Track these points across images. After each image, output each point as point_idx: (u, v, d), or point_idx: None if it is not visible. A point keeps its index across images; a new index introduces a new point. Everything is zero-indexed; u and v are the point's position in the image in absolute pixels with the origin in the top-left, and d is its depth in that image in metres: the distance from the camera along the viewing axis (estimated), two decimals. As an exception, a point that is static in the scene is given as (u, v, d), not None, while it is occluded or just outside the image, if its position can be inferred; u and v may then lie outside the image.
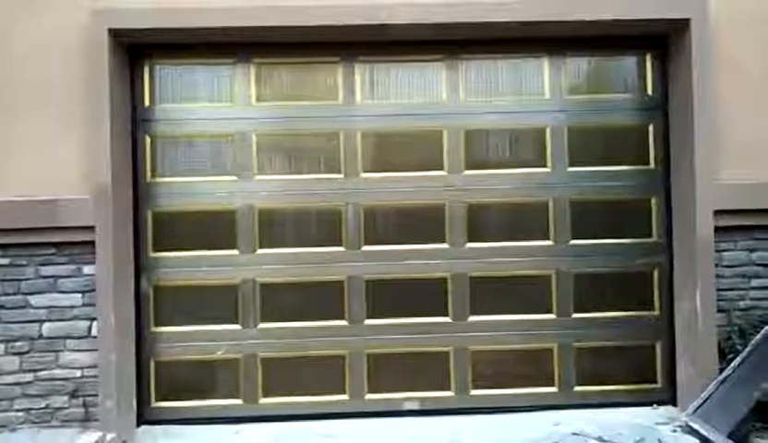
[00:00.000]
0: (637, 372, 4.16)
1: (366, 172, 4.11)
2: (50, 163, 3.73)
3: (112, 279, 3.69)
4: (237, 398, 4.07)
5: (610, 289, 4.16)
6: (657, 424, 3.87)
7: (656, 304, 4.16)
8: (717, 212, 3.83)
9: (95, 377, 3.72)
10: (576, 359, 4.14)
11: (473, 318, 4.12)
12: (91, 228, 3.69)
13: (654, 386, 4.16)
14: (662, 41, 4.10)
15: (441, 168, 4.12)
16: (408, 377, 4.11)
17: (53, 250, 3.75)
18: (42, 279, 3.75)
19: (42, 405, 3.75)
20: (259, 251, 4.07)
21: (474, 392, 4.12)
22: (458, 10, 3.78)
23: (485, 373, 4.13)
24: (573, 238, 4.14)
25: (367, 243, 4.10)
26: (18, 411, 3.74)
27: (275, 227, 4.09)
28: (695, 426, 3.61)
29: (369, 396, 4.10)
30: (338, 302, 4.10)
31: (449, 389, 4.12)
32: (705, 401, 3.68)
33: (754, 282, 3.97)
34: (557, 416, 3.99)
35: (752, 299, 3.96)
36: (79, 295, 3.76)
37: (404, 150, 4.14)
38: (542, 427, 3.87)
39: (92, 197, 3.70)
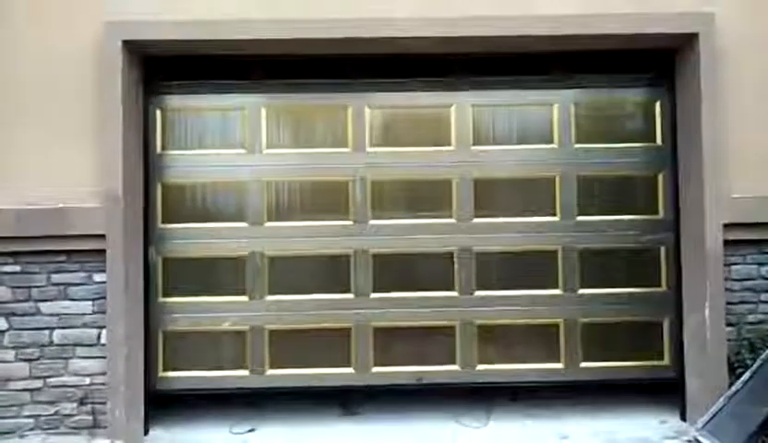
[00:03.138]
0: (644, 348, 4.15)
1: (373, 146, 4.15)
2: (63, 172, 3.77)
3: (122, 287, 3.73)
4: (244, 369, 4.10)
5: (617, 265, 4.16)
6: (665, 438, 3.85)
7: (663, 280, 4.15)
8: (727, 226, 3.82)
9: (104, 384, 3.74)
10: (582, 335, 4.14)
11: (479, 293, 4.14)
12: (102, 236, 3.73)
13: (660, 362, 4.15)
14: (669, 57, 4.11)
15: (449, 143, 4.15)
16: (414, 350, 4.13)
17: (64, 258, 3.79)
18: (53, 286, 3.79)
19: (51, 412, 3.78)
20: (267, 224, 4.11)
21: (479, 367, 4.13)
22: (454, 25, 3.80)
23: (491, 348, 4.14)
24: (580, 214, 4.15)
25: (375, 217, 4.14)
26: (27, 417, 3.77)
27: (283, 200, 4.14)
28: (704, 441, 3.58)
29: (375, 369, 4.12)
30: (345, 275, 4.13)
31: (455, 363, 4.13)
32: (714, 415, 3.66)
33: (764, 297, 3.95)
34: (563, 429, 3.98)
35: (762, 313, 3.94)
36: (90, 303, 3.79)
37: (412, 126, 4.18)
38: (547, 439, 3.86)
39: (103, 206, 3.73)
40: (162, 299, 4.09)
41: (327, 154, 4.15)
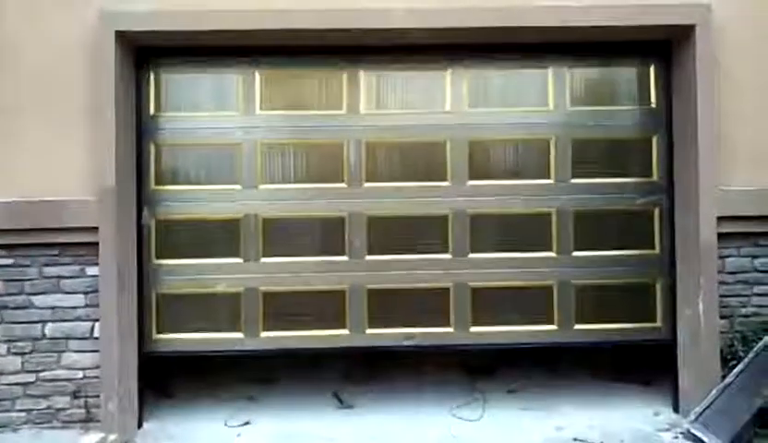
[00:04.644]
0: (637, 311, 4.17)
1: (368, 109, 4.14)
2: (55, 164, 3.74)
3: (115, 280, 3.70)
4: (238, 332, 4.09)
5: (610, 227, 4.17)
6: (659, 430, 3.87)
7: (657, 242, 4.17)
8: (720, 219, 3.84)
9: (97, 378, 3.73)
10: (576, 297, 4.15)
11: (473, 255, 4.14)
12: (95, 229, 3.70)
13: (653, 325, 4.16)
14: (665, 49, 4.11)
15: (444, 106, 4.15)
16: (408, 312, 4.13)
17: (56, 251, 3.76)
18: (46, 279, 3.76)
19: (44, 406, 3.75)
20: (261, 186, 4.10)
21: (473, 329, 4.13)
22: (457, 16, 3.81)
23: (485, 309, 4.14)
24: (574, 177, 4.16)
25: (369, 180, 4.13)
26: (19, 411, 3.74)
27: (277, 162, 4.13)
28: (697, 433, 3.61)
29: (369, 331, 4.12)
30: (339, 237, 4.12)
31: (449, 325, 4.13)
32: (707, 407, 3.68)
33: (757, 289, 3.97)
34: (559, 421, 4.00)
35: (755, 306, 3.96)
36: (82, 296, 3.76)
37: (406, 87, 4.16)
38: (542, 432, 3.87)
39: (97, 199, 3.71)
40: (155, 261, 4.07)
41: (321, 116, 4.12)
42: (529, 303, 4.15)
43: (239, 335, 4.08)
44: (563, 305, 4.15)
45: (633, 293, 4.17)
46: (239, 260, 4.09)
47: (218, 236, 4.09)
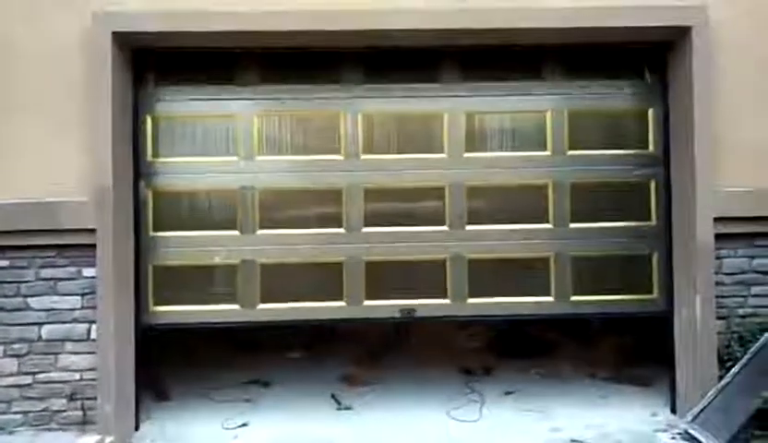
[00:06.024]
0: (634, 282, 4.17)
1: (365, 82, 4.13)
2: (52, 165, 3.73)
3: (112, 282, 3.69)
4: (235, 303, 4.07)
5: (607, 199, 4.17)
6: (656, 430, 3.87)
7: (653, 214, 4.17)
8: (717, 219, 3.84)
9: (94, 380, 3.71)
10: (572, 269, 4.15)
11: (470, 227, 4.13)
12: (92, 231, 3.69)
13: (649, 296, 4.17)
14: (661, 50, 4.11)
15: (439, 79, 4.15)
16: (406, 284, 4.12)
17: (53, 253, 3.75)
18: (42, 281, 3.75)
19: (41, 408, 3.74)
20: (258, 158, 4.09)
21: (470, 300, 4.13)
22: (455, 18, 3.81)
23: (482, 282, 4.13)
24: (570, 149, 4.16)
25: (366, 152, 4.13)
26: (16, 413, 3.73)
27: (274, 134, 4.12)
28: (694, 434, 3.61)
29: (367, 302, 4.11)
30: (336, 210, 4.12)
31: (446, 296, 4.13)
32: (704, 408, 3.68)
33: (754, 290, 3.97)
34: (556, 422, 4.00)
35: (752, 307, 3.96)
36: (79, 298, 3.75)
37: (402, 61, 4.14)
38: (540, 433, 3.88)
39: (94, 200, 3.69)
40: (152, 233, 4.05)
41: (319, 88, 4.11)
42: (526, 275, 4.15)
43: (236, 307, 4.07)
44: (560, 276, 4.14)
45: (630, 265, 4.17)
46: (236, 232, 4.07)
47: (215, 208, 4.09)
